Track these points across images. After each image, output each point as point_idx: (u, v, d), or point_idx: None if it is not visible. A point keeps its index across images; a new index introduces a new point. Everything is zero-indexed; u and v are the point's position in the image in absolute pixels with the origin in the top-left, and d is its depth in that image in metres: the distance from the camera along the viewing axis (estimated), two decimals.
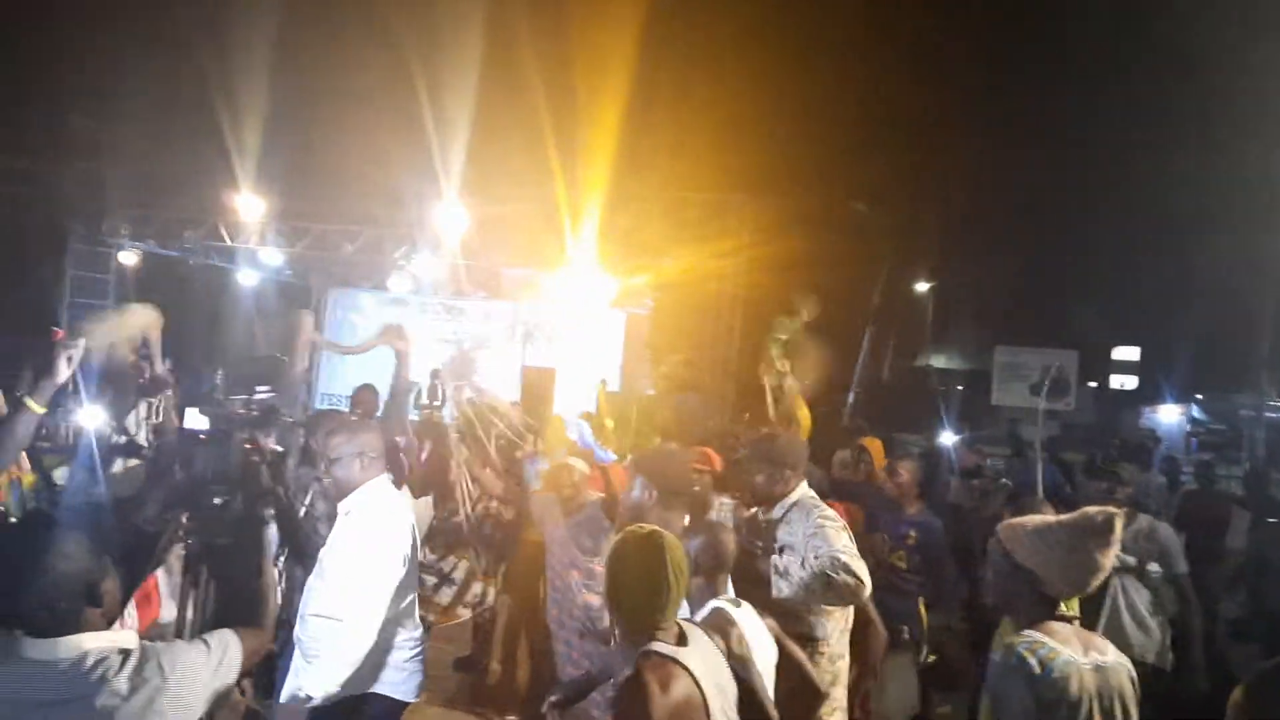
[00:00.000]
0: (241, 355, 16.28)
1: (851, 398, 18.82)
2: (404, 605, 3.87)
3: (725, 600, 3.48)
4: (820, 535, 3.91)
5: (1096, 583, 2.88)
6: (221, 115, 13.34)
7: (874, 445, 7.33)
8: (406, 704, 3.91)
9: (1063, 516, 2.94)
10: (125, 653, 2.16)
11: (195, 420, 2.67)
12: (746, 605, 3.51)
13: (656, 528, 3.01)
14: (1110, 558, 2.84)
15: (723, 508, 4.59)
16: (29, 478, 5.72)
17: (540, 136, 11.98)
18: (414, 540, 3.94)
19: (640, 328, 15.84)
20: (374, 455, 3.85)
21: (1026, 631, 2.80)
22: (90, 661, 2.10)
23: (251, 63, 13.57)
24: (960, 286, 24.78)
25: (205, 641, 2.33)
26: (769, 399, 6.90)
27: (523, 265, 14.82)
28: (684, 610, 3.78)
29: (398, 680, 3.84)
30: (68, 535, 2.19)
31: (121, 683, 2.10)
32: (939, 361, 26.71)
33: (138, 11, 14.64)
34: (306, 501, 4.55)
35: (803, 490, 4.22)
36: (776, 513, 4.18)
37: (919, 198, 18.18)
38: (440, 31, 12.77)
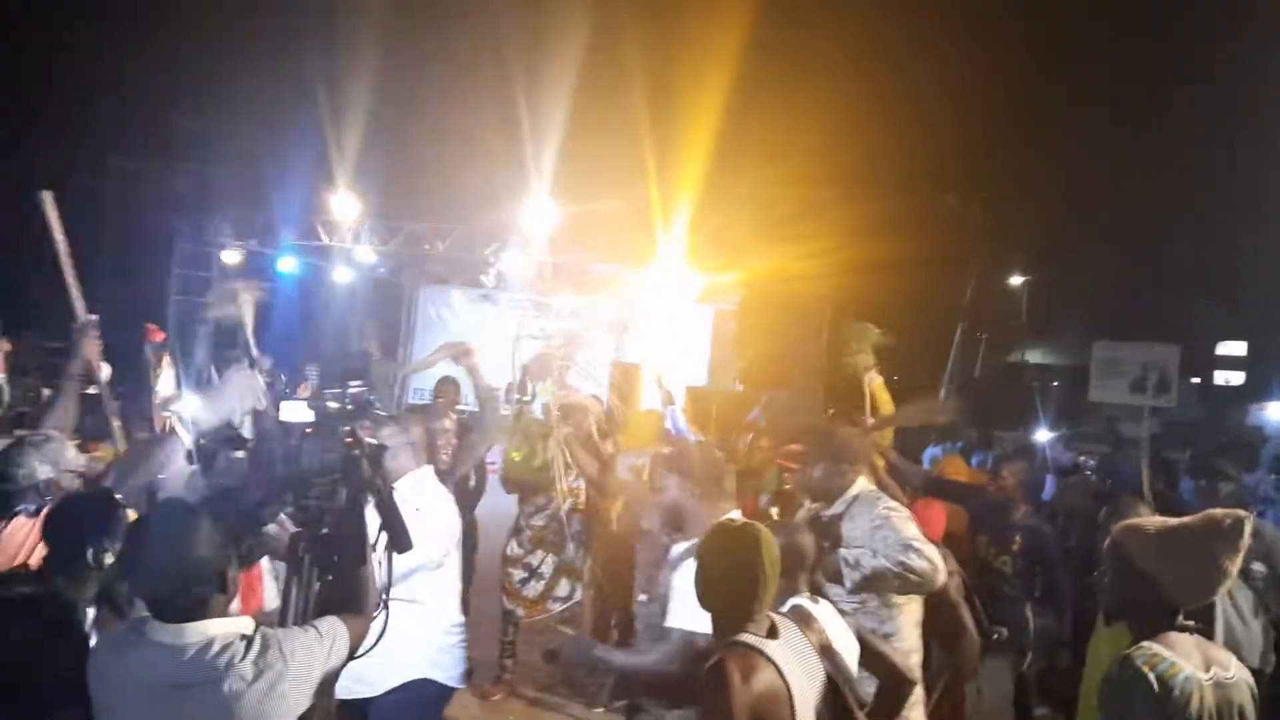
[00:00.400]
0: (336, 351, 16.66)
1: (944, 395, 18.46)
2: (452, 592, 4.08)
3: (804, 598, 3.44)
4: (887, 526, 3.90)
5: (1222, 590, 2.73)
6: (321, 117, 13.70)
7: (954, 463, 7.23)
8: (455, 689, 4.06)
9: (1186, 519, 2.78)
10: (247, 638, 2.22)
11: (295, 413, 2.71)
12: (825, 602, 3.48)
13: (750, 521, 2.99)
14: (1237, 564, 2.67)
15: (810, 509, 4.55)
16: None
17: (634, 134, 12.02)
18: (456, 530, 4.10)
19: (728, 324, 15.80)
20: (419, 446, 4.05)
21: (1144, 643, 2.62)
22: (216, 646, 2.16)
23: (349, 65, 13.89)
24: (1057, 280, 24.15)
25: (316, 627, 2.39)
26: (866, 396, 6.81)
27: (612, 261, 14.88)
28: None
29: (448, 664, 3.99)
30: (201, 522, 2.25)
31: (246, 667, 2.16)
32: (1035, 357, 26.05)
33: (239, 15, 15.09)
34: None
35: (863, 484, 4.19)
36: (838, 508, 4.15)
37: (1014, 191, 17.77)
38: (537, 30, 12.90)
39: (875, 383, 6.63)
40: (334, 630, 2.41)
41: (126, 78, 15.61)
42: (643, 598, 4.19)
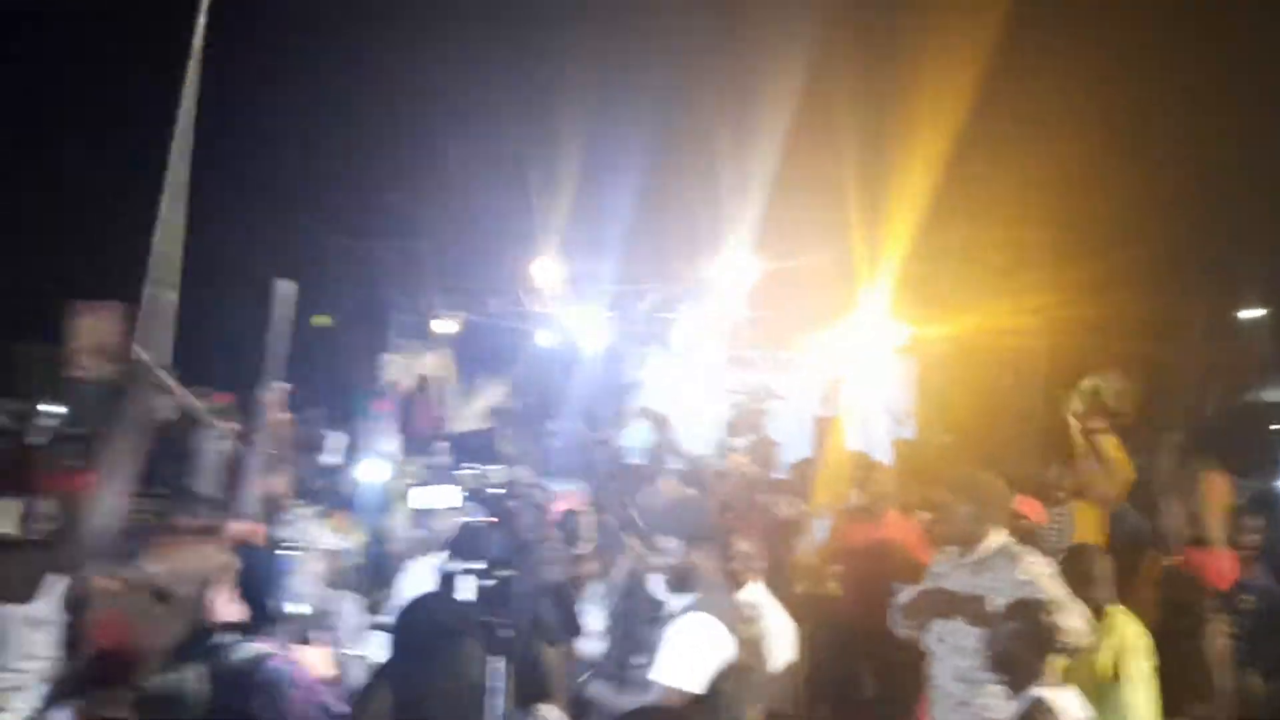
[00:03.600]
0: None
1: (1173, 439, 17.24)
2: None
3: (1050, 687, 3.19)
4: (1035, 585, 3.64)
5: None
6: (526, 188, 14.27)
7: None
8: None
9: None
10: None
11: (436, 498, 2.73)
12: (1070, 691, 3.22)
13: None
14: None
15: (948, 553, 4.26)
16: (356, 534, 5.71)
17: (838, 187, 11.92)
18: None
19: (934, 376, 15.32)
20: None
21: None
22: None
23: (548, 134, 14.43)
24: None
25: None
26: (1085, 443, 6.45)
27: (813, 315, 14.73)
28: (997, 698, 3.52)
29: None
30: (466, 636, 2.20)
31: None
32: (1275, 395, 23.96)
33: (439, 96, 15.87)
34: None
35: (1003, 536, 3.94)
36: (976, 556, 3.87)
37: (1246, 218, 16.52)
38: (740, 86, 13.01)
39: (1106, 437, 6.28)
40: (556, 717, 2.43)
41: (336, 160, 16.68)
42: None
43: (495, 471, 2.93)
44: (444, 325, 16.54)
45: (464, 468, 3.01)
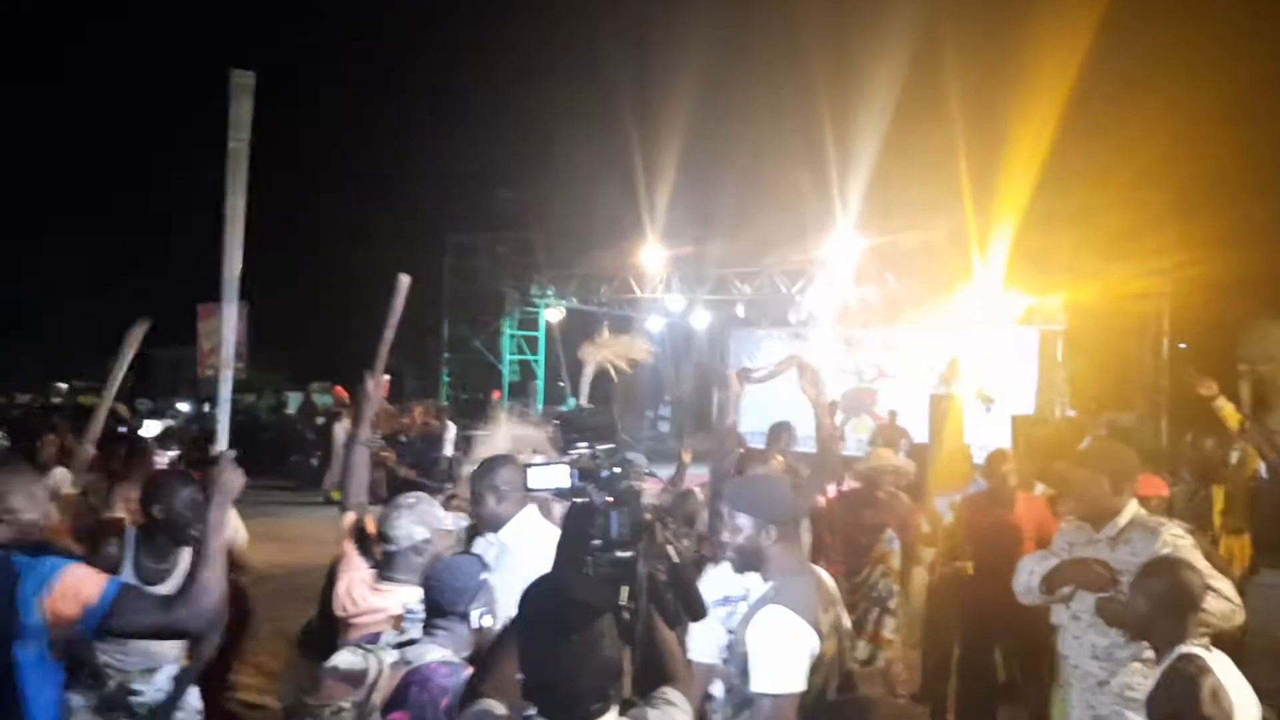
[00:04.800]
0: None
1: None
2: None
3: (1197, 645, 3.07)
4: (1180, 553, 3.44)
5: None
6: (633, 177, 14.35)
7: None
8: None
9: None
10: None
11: (548, 478, 2.74)
12: (1219, 653, 3.10)
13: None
14: None
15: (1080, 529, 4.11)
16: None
17: (945, 157, 11.66)
18: None
19: (1054, 347, 14.85)
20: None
21: None
22: None
23: (654, 114, 14.47)
24: None
25: (672, 703, 2.40)
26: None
27: (925, 290, 14.44)
28: (1141, 675, 3.41)
29: None
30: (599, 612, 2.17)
31: None
32: None
33: (553, 94, 16.10)
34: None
35: (1137, 508, 3.75)
36: (1109, 531, 3.72)
37: None
38: (845, 58, 12.82)
39: (1227, 410, 6.01)
40: (682, 703, 2.43)
41: (452, 159, 17.06)
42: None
43: (607, 451, 2.91)
44: (554, 313, 16.75)
45: (575, 448, 2.99)
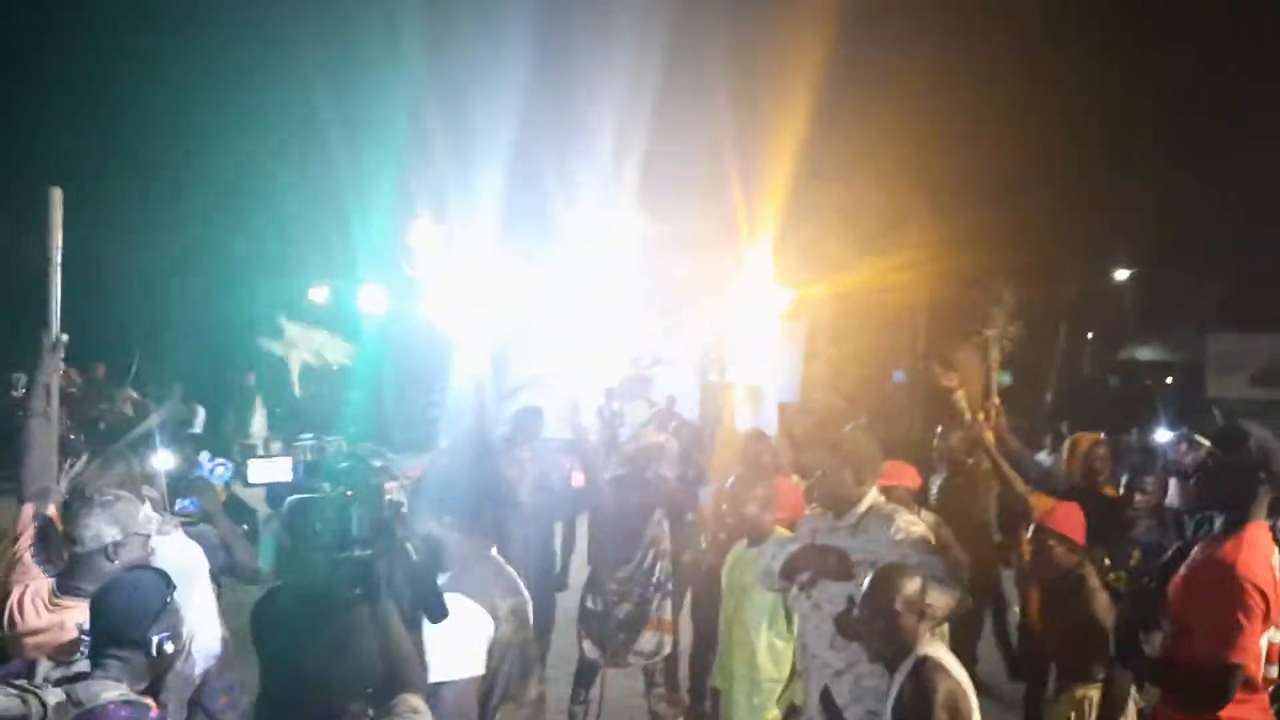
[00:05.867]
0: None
1: (1050, 398, 17.78)
2: None
3: (933, 646, 3.12)
4: (910, 544, 3.64)
5: None
6: (405, 151, 13.75)
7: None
8: None
9: None
10: None
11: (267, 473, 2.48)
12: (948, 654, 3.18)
13: None
14: None
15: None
16: None
17: (717, 149, 11.79)
18: None
19: (821, 338, 15.40)
20: None
21: None
22: None
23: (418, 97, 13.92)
24: (1168, 272, 23.11)
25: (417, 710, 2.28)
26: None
27: (699, 279, 14.64)
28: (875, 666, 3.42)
29: None
30: None
31: None
32: (1146, 354, 24.94)
33: (317, 55, 15.17)
34: None
35: (875, 496, 3.90)
36: (850, 519, 3.80)
37: (1118, 183, 17.00)
38: (613, 45, 12.72)
39: (962, 401, 6.22)
40: (425, 709, 2.23)
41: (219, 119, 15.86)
42: None
43: (332, 442, 2.62)
44: (318, 293, 15.95)
45: (300, 438, 2.68)
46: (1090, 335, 21.84)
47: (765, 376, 14.08)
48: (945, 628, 4.49)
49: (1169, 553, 3.75)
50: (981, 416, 6.12)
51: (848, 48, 11.02)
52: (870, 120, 13.45)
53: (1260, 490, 3.38)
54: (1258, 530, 3.37)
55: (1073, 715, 4.09)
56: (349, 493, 2.50)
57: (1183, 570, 3.44)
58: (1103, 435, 6.09)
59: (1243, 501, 3.37)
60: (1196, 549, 3.47)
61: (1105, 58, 13.65)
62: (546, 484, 6.65)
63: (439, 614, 2.60)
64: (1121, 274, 23.53)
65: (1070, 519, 4.32)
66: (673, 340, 16.45)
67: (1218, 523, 3.45)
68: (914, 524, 3.80)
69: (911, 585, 3.17)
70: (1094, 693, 4.03)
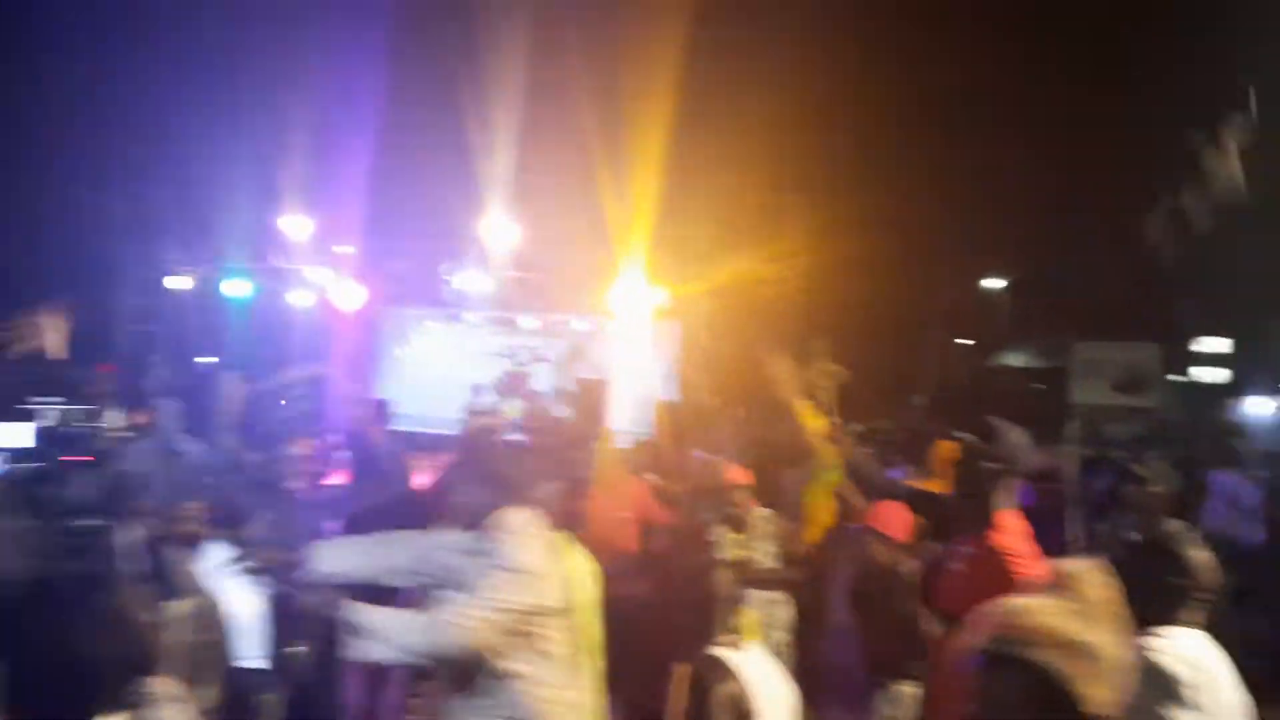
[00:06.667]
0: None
1: (917, 401, 18.15)
2: None
3: (722, 646, 3.03)
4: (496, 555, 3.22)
5: None
6: (267, 136, 13.36)
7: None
8: None
9: None
10: None
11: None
12: (755, 646, 3.07)
13: None
14: None
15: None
16: None
17: (588, 148, 11.74)
18: None
19: (698, 336, 15.44)
20: None
21: None
22: None
23: (295, 79, 13.57)
24: (1038, 280, 23.86)
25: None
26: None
27: (575, 278, 14.56)
28: None
29: None
30: None
31: None
32: (1016, 360, 25.71)
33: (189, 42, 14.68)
34: None
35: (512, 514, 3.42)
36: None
37: (991, 189, 17.47)
38: (487, 44, 12.59)
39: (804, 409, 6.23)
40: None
41: (67, 103, 15.17)
42: None
43: (75, 410, 2.49)
44: (179, 281, 15.35)
45: (36, 401, 2.54)
46: (957, 341, 22.44)
47: (643, 375, 14.07)
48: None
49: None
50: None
51: (714, 42, 11.07)
52: (739, 115, 13.55)
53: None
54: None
55: (888, 710, 4.12)
56: (85, 459, 2.35)
57: (953, 563, 3.59)
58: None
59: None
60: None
61: (980, 62, 13.99)
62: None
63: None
64: (996, 283, 24.20)
65: (893, 519, 4.35)
66: (550, 339, 16.35)
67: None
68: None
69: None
70: (910, 689, 4.06)
